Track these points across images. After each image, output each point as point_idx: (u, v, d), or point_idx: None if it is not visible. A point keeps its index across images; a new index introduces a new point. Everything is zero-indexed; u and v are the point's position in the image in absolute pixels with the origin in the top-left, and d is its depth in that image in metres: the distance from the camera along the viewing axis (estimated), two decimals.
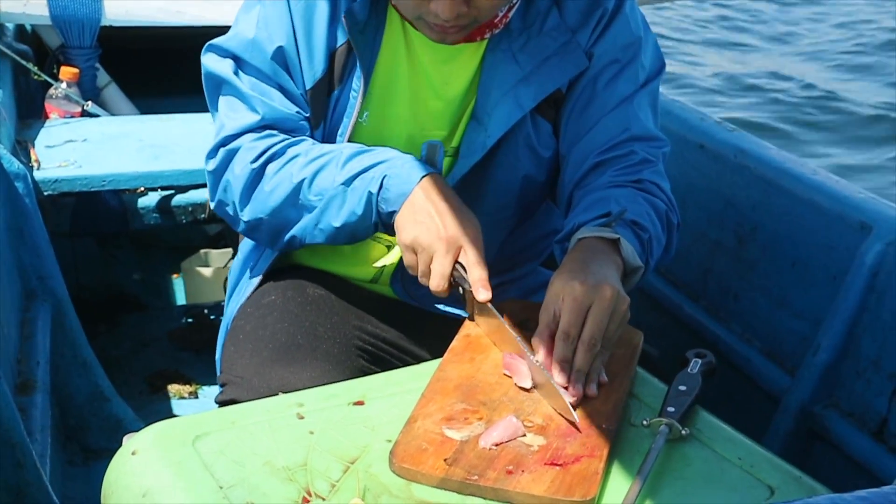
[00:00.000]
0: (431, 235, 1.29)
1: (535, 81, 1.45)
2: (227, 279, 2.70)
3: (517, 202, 1.54)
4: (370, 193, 1.34)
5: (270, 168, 1.42)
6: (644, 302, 2.13)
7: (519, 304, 1.40)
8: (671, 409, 1.18)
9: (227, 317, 1.62)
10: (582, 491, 1.05)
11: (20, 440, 1.37)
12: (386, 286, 1.59)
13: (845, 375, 1.71)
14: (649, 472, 1.08)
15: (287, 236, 1.45)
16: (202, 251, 2.93)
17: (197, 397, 2.33)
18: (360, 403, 1.19)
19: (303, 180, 1.38)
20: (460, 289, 1.32)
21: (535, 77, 1.45)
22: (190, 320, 2.63)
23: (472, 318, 1.35)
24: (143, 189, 2.37)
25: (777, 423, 1.76)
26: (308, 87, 1.45)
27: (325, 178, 1.37)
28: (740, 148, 1.98)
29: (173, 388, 2.34)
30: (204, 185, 2.35)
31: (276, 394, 1.27)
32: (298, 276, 1.56)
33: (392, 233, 1.36)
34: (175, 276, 2.97)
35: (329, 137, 1.49)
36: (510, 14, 1.44)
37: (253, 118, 1.44)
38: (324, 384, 1.24)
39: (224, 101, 1.47)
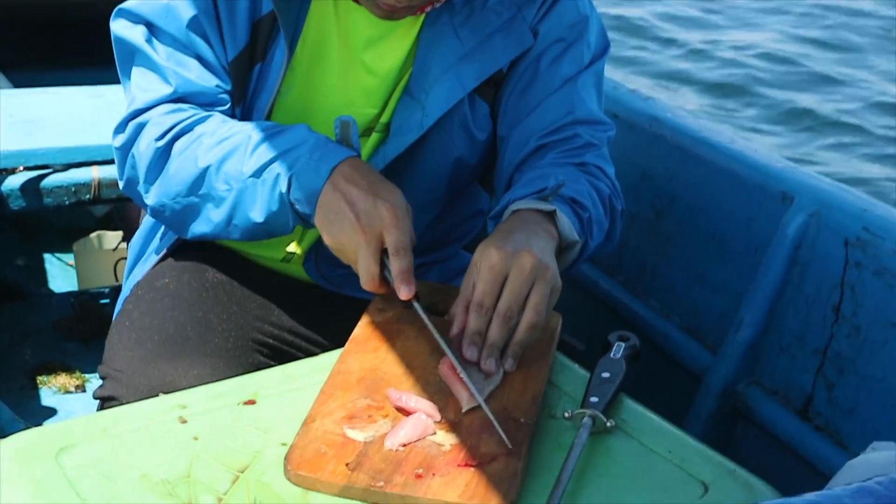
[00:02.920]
0: (349, 232, 1.18)
1: (477, 59, 1.38)
2: (117, 263, 2.58)
3: (447, 185, 1.47)
4: (281, 192, 1.23)
5: (177, 147, 1.31)
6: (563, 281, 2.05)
7: (427, 287, 1.30)
8: (594, 398, 1.10)
9: (121, 298, 1.50)
10: (499, 495, 0.96)
11: None
12: (298, 266, 1.49)
13: (768, 352, 1.66)
14: (573, 469, 1.00)
15: (194, 229, 1.34)
16: (95, 233, 2.78)
17: (85, 391, 2.19)
18: (251, 403, 1.09)
19: (209, 166, 1.27)
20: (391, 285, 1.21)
21: (478, 54, 1.38)
22: (76, 307, 2.46)
23: (377, 312, 1.24)
24: (13, 169, 2.19)
25: (700, 402, 1.70)
26: (230, 58, 1.34)
27: (233, 165, 1.26)
28: (654, 116, 1.91)
29: (58, 382, 2.18)
30: (86, 164, 2.21)
31: (158, 394, 1.16)
32: (201, 255, 1.45)
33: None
34: (65, 261, 2.81)
35: (248, 115, 1.39)
36: None
37: (165, 90, 1.33)
38: (213, 382, 1.13)
39: (136, 72, 1.36)
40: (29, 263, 2.78)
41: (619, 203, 1.43)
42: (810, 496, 0.75)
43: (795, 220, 1.60)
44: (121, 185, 1.40)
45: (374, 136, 1.42)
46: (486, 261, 1.14)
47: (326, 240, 1.22)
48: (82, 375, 2.21)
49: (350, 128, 1.26)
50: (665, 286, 1.87)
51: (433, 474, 0.98)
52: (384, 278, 1.19)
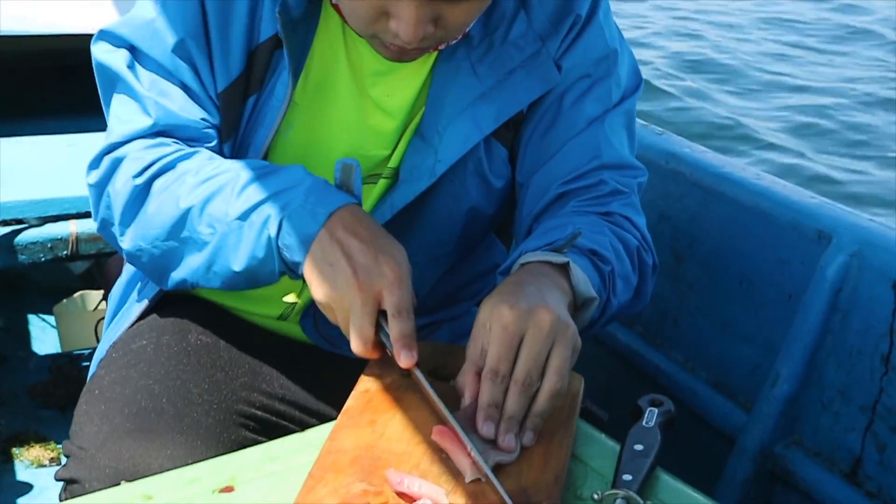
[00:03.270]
0: (343, 287, 1.05)
1: (497, 99, 1.26)
2: (98, 324, 2.45)
3: (460, 236, 1.35)
4: (269, 236, 1.10)
5: (157, 185, 1.18)
6: None
7: (429, 347, 1.16)
8: (627, 476, 0.96)
9: (94, 359, 1.38)
10: None
11: None
12: (294, 324, 1.36)
13: (809, 409, 1.53)
14: None
15: (174, 277, 1.20)
16: (78, 293, 2.67)
17: (59, 463, 2.04)
18: (228, 490, 0.95)
19: (191, 207, 1.14)
20: (387, 350, 1.08)
21: (498, 94, 1.26)
22: (54, 370, 2.34)
23: (374, 377, 1.10)
24: None
25: (733, 466, 1.57)
26: (220, 88, 1.22)
27: (218, 206, 1.13)
28: (671, 152, 1.80)
29: (31, 455, 2.08)
30: (63, 218, 2.09)
31: (121, 481, 1.03)
32: (185, 312, 1.33)
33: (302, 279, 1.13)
34: (48, 321, 2.70)
35: (241, 152, 1.26)
36: None
37: (144, 122, 1.21)
38: (188, 465, 1.00)
39: (116, 101, 1.25)
40: (8, 324, 2.67)
41: (650, 257, 1.30)
42: None
43: (835, 262, 1.48)
44: (96, 226, 1.27)
45: (382, 182, 1.30)
46: (499, 321, 1.01)
47: (316, 294, 1.08)
48: (57, 447, 2.10)
49: (353, 172, 1.14)
50: (689, 337, 1.75)
51: None
52: (379, 342, 1.06)
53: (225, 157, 1.24)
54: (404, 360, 1.04)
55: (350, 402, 1.07)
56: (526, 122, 1.32)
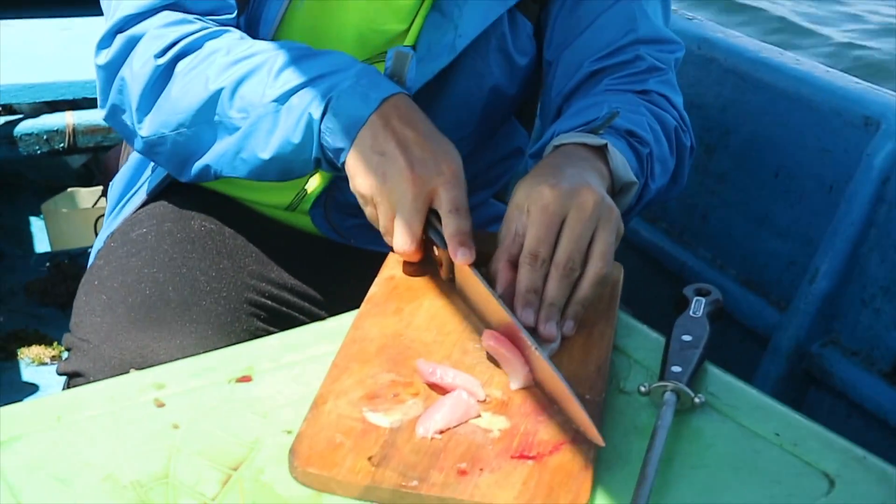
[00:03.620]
0: (395, 179, 1.00)
1: None
2: (97, 220, 2.40)
3: (480, 118, 1.29)
4: (310, 118, 1.03)
5: (182, 66, 1.11)
6: None
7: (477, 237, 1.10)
8: (676, 368, 0.90)
9: (93, 251, 1.33)
10: (568, 494, 0.77)
11: None
12: (304, 215, 1.31)
13: (848, 306, 1.48)
14: (659, 458, 0.80)
15: (198, 165, 1.14)
16: (69, 189, 2.64)
17: (61, 360, 2.01)
18: (245, 380, 0.90)
19: (222, 89, 1.08)
20: (434, 249, 1.01)
21: None
22: (51, 268, 2.30)
23: (450, 280, 1.04)
24: None
25: (766, 366, 1.54)
26: None
27: (253, 88, 1.06)
28: (703, 38, 1.74)
29: (31, 353, 2.04)
30: (57, 108, 2.03)
31: (129, 369, 0.98)
32: (188, 200, 1.27)
33: (339, 173, 1.07)
34: (40, 220, 2.67)
35: (251, 28, 1.19)
36: None
37: None
38: (199, 354, 0.95)
39: None
40: (2, 222, 2.63)
41: (688, 138, 1.25)
42: None
43: (883, 149, 1.42)
44: (103, 113, 1.19)
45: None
46: (538, 201, 0.96)
47: (360, 184, 1.02)
48: (58, 346, 2.06)
49: (407, 61, 1.10)
50: (719, 233, 1.70)
51: (481, 469, 0.79)
52: (424, 242, 1.01)
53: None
54: (461, 257, 0.98)
55: (374, 288, 1.02)
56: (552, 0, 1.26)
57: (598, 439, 0.81)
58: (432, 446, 0.81)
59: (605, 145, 1.07)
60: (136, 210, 1.29)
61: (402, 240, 1.00)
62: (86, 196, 2.62)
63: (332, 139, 1.03)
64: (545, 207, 0.95)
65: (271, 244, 1.29)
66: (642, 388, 0.89)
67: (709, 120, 1.70)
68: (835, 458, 0.84)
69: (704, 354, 0.93)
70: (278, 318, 1.24)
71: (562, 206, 0.96)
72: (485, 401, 0.86)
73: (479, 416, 0.84)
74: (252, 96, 1.07)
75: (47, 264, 2.37)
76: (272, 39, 1.19)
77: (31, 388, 1.94)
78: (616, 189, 1.08)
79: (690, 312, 0.98)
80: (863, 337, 1.47)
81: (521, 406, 0.86)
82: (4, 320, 2.14)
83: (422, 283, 1.03)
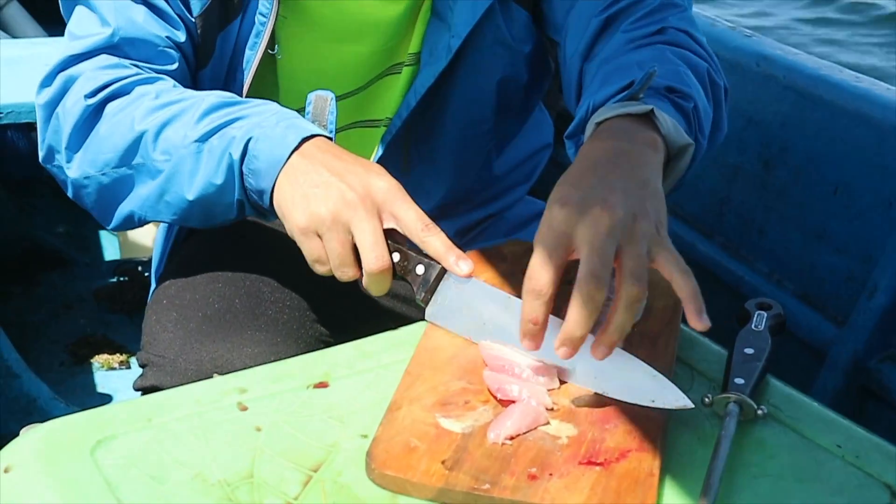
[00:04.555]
0: (339, 203, 0.96)
1: None
2: None
3: (495, 112, 1.28)
4: (231, 159, 1.02)
5: (111, 107, 1.11)
6: None
7: (523, 247, 1.12)
8: (739, 380, 0.92)
9: (154, 269, 1.37)
10: (636, 501, 0.79)
11: None
12: None
13: None
14: (723, 468, 0.82)
15: (121, 210, 1.13)
16: None
17: (129, 367, 2.10)
18: (322, 385, 0.94)
19: (146, 131, 1.08)
20: (410, 275, 0.98)
21: None
22: (122, 277, 2.35)
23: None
24: None
25: (823, 380, 1.55)
26: (196, 13, 1.16)
27: (176, 131, 1.06)
28: (762, 55, 1.75)
29: (100, 359, 2.10)
30: None
31: (211, 376, 1.00)
32: (241, 229, 1.28)
33: (264, 217, 1.06)
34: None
35: (227, 77, 1.20)
36: None
37: (103, 33, 1.14)
38: (271, 362, 0.98)
39: (75, 15, 1.18)
40: (71, 230, 2.69)
41: (721, 78, 1.14)
42: None
43: None
44: (41, 155, 1.18)
45: (406, 71, 1.24)
46: (593, 227, 0.86)
47: (297, 219, 0.98)
48: (127, 351, 2.13)
49: (327, 105, 1.08)
50: (776, 248, 1.71)
51: (550, 474, 0.81)
52: (394, 265, 0.98)
53: (204, 87, 1.18)
54: (465, 268, 0.96)
55: None
56: None
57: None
58: (503, 451, 0.83)
59: (652, 110, 0.97)
60: (196, 230, 1.30)
61: (373, 258, 0.95)
62: None
63: (255, 180, 1.02)
64: (600, 231, 0.86)
65: None
66: (706, 399, 0.91)
67: (768, 136, 1.71)
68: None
69: (766, 367, 0.95)
70: (344, 328, 1.23)
71: (617, 234, 0.86)
72: (553, 409, 0.89)
73: (548, 423, 0.87)
74: (175, 138, 1.06)
75: (114, 272, 2.44)
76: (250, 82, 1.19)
77: (101, 392, 1.99)
78: (672, 153, 0.99)
79: (752, 326, 1.00)
80: None
81: (589, 414, 0.88)
82: (74, 325, 2.20)
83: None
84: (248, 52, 1.19)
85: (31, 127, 2.11)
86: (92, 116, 1.11)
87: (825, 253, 1.62)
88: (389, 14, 1.21)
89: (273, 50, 1.19)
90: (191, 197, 1.06)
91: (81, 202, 1.19)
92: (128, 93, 1.11)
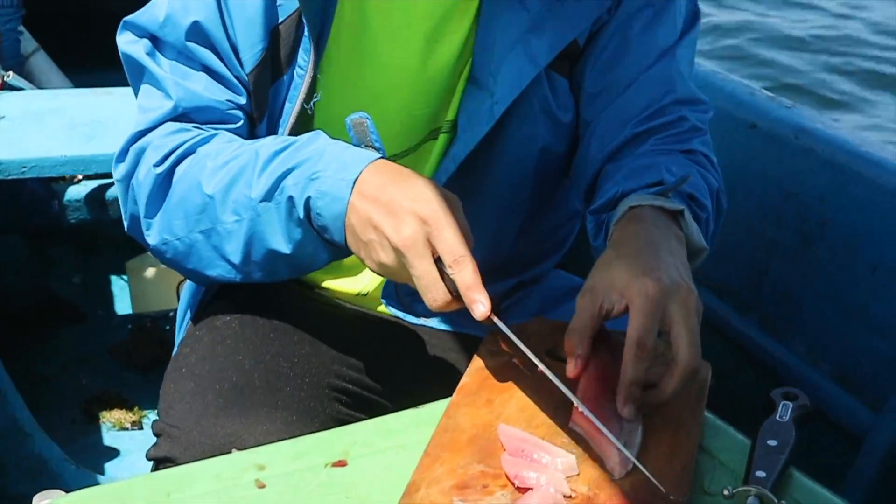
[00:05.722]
0: (388, 256, 1.05)
1: (548, 28, 1.26)
2: (180, 283, 2.52)
3: (534, 180, 1.35)
4: (299, 219, 1.11)
5: (179, 171, 1.20)
6: None
7: (547, 325, 1.17)
8: (760, 473, 0.96)
9: (177, 337, 1.42)
10: None
11: None
12: (377, 301, 1.38)
13: None
14: None
15: (210, 272, 1.22)
16: None
17: (142, 428, 2.14)
18: (341, 464, 0.99)
19: (213, 195, 1.16)
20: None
21: (548, 22, 1.26)
22: (134, 332, 2.42)
23: (489, 355, 1.12)
24: (77, 177, 2.20)
25: (859, 468, 1.55)
26: (248, 69, 1.23)
27: (241, 190, 1.14)
28: (802, 127, 1.78)
29: (113, 417, 2.15)
30: None
31: (230, 451, 1.05)
32: (263, 288, 1.34)
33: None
34: (123, 280, 2.76)
35: (274, 131, 1.28)
36: None
37: (166, 106, 1.23)
38: (289, 438, 1.03)
39: (142, 92, 1.27)
40: (86, 282, 2.76)
41: (725, 200, 1.30)
42: None
43: None
44: (125, 225, 1.28)
45: (443, 138, 1.31)
46: (640, 287, 1.00)
47: (370, 266, 1.09)
48: (139, 410, 2.17)
49: (365, 125, 1.14)
50: (813, 326, 1.73)
51: None
52: (454, 294, 1.04)
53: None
54: (479, 311, 1.02)
55: (466, 379, 1.09)
56: (587, 55, 1.30)
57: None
58: None
59: (682, 211, 1.11)
60: (219, 297, 1.36)
61: (430, 300, 1.04)
62: None
63: (328, 234, 1.10)
64: (651, 297, 0.99)
65: (348, 330, 1.35)
66: (725, 492, 0.95)
67: (807, 210, 1.74)
68: None
69: (789, 460, 0.99)
70: (360, 403, 1.30)
71: (665, 299, 1.00)
72: (571, 496, 0.93)
73: None
74: (241, 198, 1.14)
75: (129, 326, 2.49)
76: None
77: (113, 453, 2.03)
78: (689, 254, 1.11)
79: (777, 416, 1.04)
80: None
81: (607, 502, 0.92)
82: (88, 382, 2.25)
83: (514, 375, 1.09)
84: (287, 105, 1.25)
85: (51, 179, 2.19)
86: (163, 183, 1.20)
87: (863, 334, 1.63)
88: (429, 73, 1.27)
89: (308, 104, 1.25)
90: (286, 251, 1.15)
91: (165, 263, 1.28)
92: (192, 153, 1.20)
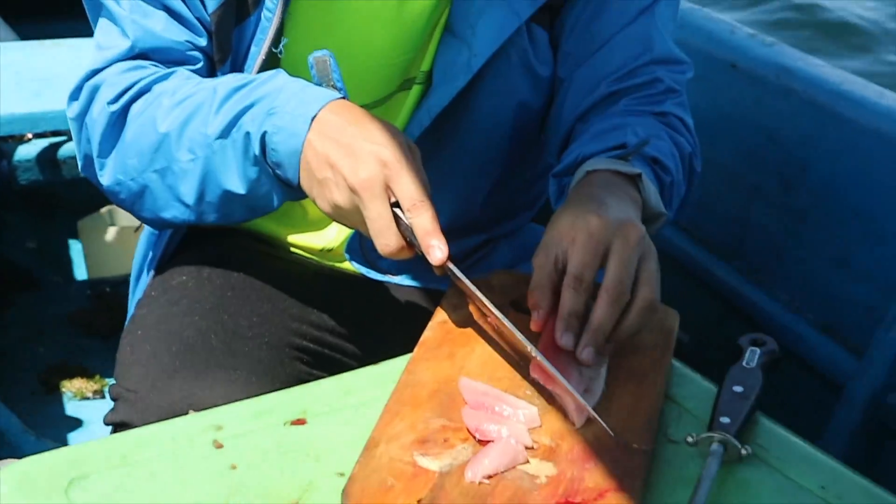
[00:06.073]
0: (342, 197, 1.08)
1: None
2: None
3: (511, 137, 1.39)
4: (254, 156, 1.15)
5: (133, 110, 1.24)
6: (663, 264, 1.97)
7: (512, 278, 1.22)
8: (725, 419, 1.01)
9: (131, 299, 1.45)
10: None
11: None
12: (340, 256, 1.43)
13: None
14: None
15: (164, 213, 1.26)
16: (105, 209, 2.72)
17: (103, 396, 2.18)
18: (300, 422, 1.03)
19: (167, 132, 1.20)
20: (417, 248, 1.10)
21: None
22: (92, 297, 2.45)
23: (451, 308, 1.16)
24: (26, 136, 2.22)
25: (840, 415, 1.61)
26: (210, 10, 1.26)
27: (197, 128, 1.18)
28: (784, 66, 1.82)
29: (73, 387, 2.19)
30: None
31: (186, 412, 1.10)
32: (222, 245, 1.40)
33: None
34: (80, 244, 2.79)
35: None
36: None
37: (123, 45, 1.27)
38: (248, 398, 1.08)
39: (98, 28, 1.31)
40: (41, 247, 2.77)
41: (699, 163, 1.35)
42: None
43: None
44: (79, 165, 1.33)
45: (416, 89, 1.35)
46: (584, 228, 1.06)
47: (322, 207, 1.12)
48: (101, 379, 2.21)
49: (328, 64, 1.16)
50: (796, 275, 1.78)
51: None
52: (408, 241, 1.08)
53: None
54: (436, 255, 1.05)
55: (427, 333, 1.14)
56: (568, 9, 1.34)
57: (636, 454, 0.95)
58: (480, 491, 0.92)
59: (640, 175, 1.17)
60: (173, 254, 1.41)
61: (381, 245, 1.07)
62: (124, 215, 2.66)
63: (282, 171, 1.13)
64: (591, 234, 1.05)
65: (310, 287, 1.40)
66: (689, 439, 1.00)
67: (787, 153, 1.79)
68: None
69: (755, 406, 1.04)
70: (321, 361, 1.35)
71: (607, 235, 1.05)
72: (532, 447, 0.98)
73: (527, 461, 0.96)
74: (197, 136, 1.18)
75: (88, 293, 2.52)
76: None
77: (74, 423, 2.07)
78: (645, 218, 1.16)
79: (744, 363, 1.09)
80: None
81: (569, 453, 0.98)
82: (47, 351, 2.29)
83: (475, 329, 1.14)
84: (252, 48, 1.29)
85: (2, 139, 2.21)
86: (117, 122, 1.24)
87: (846, 281, 1.68)
88: (404, 20, 1.30)
89: (276, 48, 1.29)
90: (234, 190, 1.18)
91: (118, 204, 1.32)
92: (148, 91, 1.24)
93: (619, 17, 1.33)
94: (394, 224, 1.07)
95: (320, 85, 1.16)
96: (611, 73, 1.33)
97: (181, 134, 1.19)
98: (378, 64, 1.32)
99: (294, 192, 1.16)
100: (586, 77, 1.34)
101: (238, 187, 1.18)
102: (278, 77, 1.18)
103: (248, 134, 1.14)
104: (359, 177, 1.06)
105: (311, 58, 1.16)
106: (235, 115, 1.15)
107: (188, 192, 1.22)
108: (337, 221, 1.14)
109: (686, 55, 1.40)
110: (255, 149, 1.14)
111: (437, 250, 1.05)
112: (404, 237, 1.07)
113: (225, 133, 1.16)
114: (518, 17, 1.29)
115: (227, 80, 1.20)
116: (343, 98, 1.14)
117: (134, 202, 1.28)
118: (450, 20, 1.30)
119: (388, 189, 1.06)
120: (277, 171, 1.14)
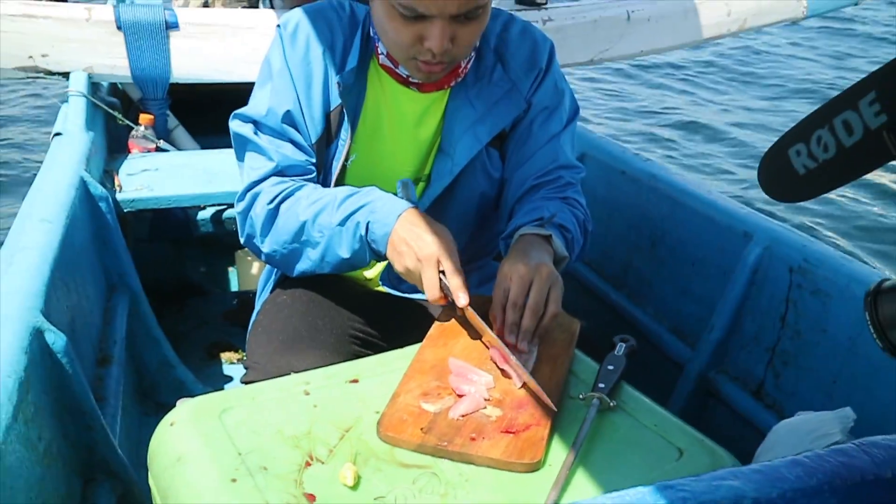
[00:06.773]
0: (412, 260, 1.14)
1: (488, 121, 1.34)
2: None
3: (476, 212, 1.42)
4: (361, 236, 1.21)
5: (282, 208, 1.28)
6: (579, 289, 2.01)
7: (481, 299, 1.28)
8: (602, 385, 1.06)
9: (255, 310, 1.49)
10: (530, 454, 0.94)
11: (90, 408, 1.24)
12: (376, 284, 1.46)
13: (733, 348, 1.58)
14: (584, 438, 0.97)
15: (299, 267, 1.30)
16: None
17: (243, 362, 2.18)
18: (355, 381, 1.07)
19: (306, 220, 1.24)
20: (449, 297, 1.17)
21: (488, 117, 1.34)
22: (238, 303, 2.48)
23: (445, 318, 1.20)
24: (203, 206, 2.25)
25: (681, 386, 1.63)
26: (313, 141, 1.32)
27: (324, 218, 1.24)
28: (652, 173, 1.85)
29: (225, 356, 2.19)
30: None
31: (288, 374, 1.14)
32: (307, 281, 1.41)
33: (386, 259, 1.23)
34: (231, 268, 2.81)
35: (326, 179, 1.36)
36: (467, 68, 1.33)
37: (270, 165, 1.31)
38: (323, 366, 1.12)
39: (248, 156, 1.34)
40: (209, 270, 2.79)
41: (590, 225, 1.38)
42: (756, 466, 0.71)
43: (753, 252, 1.53)
44: (242, 240, 1.36)
45: (420, 185, 1.38)
46: (517, 271, 1.12)
47: (396, 268, 1.17)
48: (241, 353, 2.20)
49: (409, 187, 1.23)
50: (658, 297, 1.81)
51: (483, 438, 0.95)
52: (443, 291, 1.15)
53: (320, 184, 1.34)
54: (461, 300, 1.11)
55: (432, 331, 1.18)
56: (509, 137, 1.37)
57: (550, 405, 0.99)
58: (457, 423, 0.97)
59: (550, 235, 1.21)
60: (276, 287, 1.42)
61: (429, 294, 1.13)
62: None
63: (376, 246, 1.19)
64: (521, 276, 1.11)
65: (361, 301, 1.41)
66: (580, 396, 1.05)
67: (654, 226, 1.81)
68: (686, 439, 0.97)
69: (621, 377, 1.08)
70: (368, 346, 1.36)
71: (531, 274, 1.11)
72: (489, 399, 1.03)
73: (486, 407, 1.01)
74: (324, 223, 1.21)
75: (235, 301, 2.54)
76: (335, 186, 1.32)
77: (227, 378, 2.08)
78: (555, 261, 1.21)
79: (615, 352, 1.13)
80: (741, 368, 1.55)
81: (511, 403, 1.02)
82: (209, 334, 2.30)
83: (459, 330, 1.18)
84: (334, 162, 1.33)
85: (187, 207, 2.23)
86: (272, 214, 1.28)
87: (686, 301, 1.71)
88: (418, 143, 1.35)
89: (347, 162, 1.33)
90: (346, 256, 1.23)
91: (272, 265, 1.35)
92: (291, 196, 1.28)
93: (538, 141, 1.36)
94: (438, 284, 1.13)
95: (402, 198, 1.22)
96: (534, 174, 1.35)
97: (314, 221, 1.23)
98: (402, 170, 1.36)
99: (380, 258, 1.22)
100: (519, 177, 1.36)
101: (346, 254, 1.23)
102: (374, 190, 1.23)
103: (357, 223, 1.20)
104: (424, 253, 1.13)
105: (400, 182, 1.23)
106: (351, 212, 1.21)
107: (315, 256, 1.26)
108: (404, 278, 1.17)
109: (594, 165, 1.44)
110: (362, 232, 1.19)
111: (462, 299, 1.12)
112: (442, 290, 1.13)
113: (343, 223, 1.21)
114: (480, 142, 1.33)
115: (342, 190, 1.24)
116: (415, 206, 1.20)
117: (283, 262, 1.32)
118: (441, 143, 1.34)
119: (438, 262, 1.13)
120: (373, 246, 1.20)
